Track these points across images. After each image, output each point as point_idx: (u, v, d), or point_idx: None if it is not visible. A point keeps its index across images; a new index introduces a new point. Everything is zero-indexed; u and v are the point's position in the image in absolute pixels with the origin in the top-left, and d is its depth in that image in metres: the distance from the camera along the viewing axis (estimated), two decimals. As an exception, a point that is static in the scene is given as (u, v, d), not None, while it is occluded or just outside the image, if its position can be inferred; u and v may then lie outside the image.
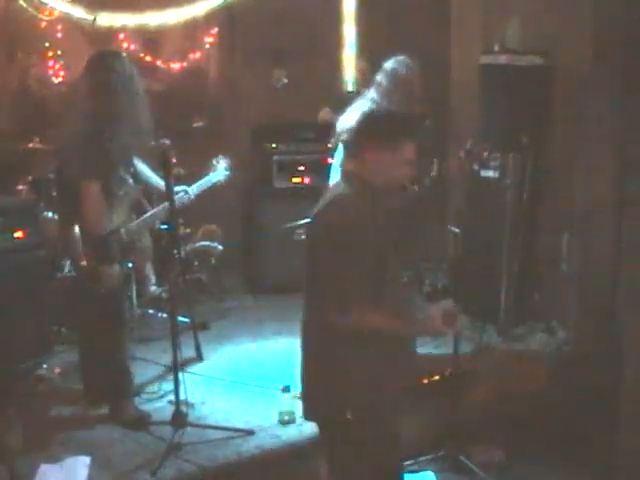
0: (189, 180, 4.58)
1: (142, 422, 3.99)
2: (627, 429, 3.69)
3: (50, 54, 6.07)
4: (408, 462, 4.06)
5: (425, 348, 4.98)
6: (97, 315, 3.97)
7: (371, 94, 4.50)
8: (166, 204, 4.05)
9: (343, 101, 5.96)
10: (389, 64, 4.53)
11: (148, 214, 4.12)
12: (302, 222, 4.52)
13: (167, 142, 3.91)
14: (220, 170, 4.52)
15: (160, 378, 4.47)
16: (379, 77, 4.51)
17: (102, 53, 4.16)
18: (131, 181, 4.02)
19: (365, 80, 6.27)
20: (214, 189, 4.57)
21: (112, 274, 3.86)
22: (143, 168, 4.20)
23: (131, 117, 3.84)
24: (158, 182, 4.21)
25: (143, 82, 4.09)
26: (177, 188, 4.21)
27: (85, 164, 3.76)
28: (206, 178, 4.48)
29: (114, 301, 4.02)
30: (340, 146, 4.43)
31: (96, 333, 4.02)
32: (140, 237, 4.13)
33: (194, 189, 4.38)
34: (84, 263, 3.81)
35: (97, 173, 3.76)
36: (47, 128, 5.54)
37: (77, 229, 3.80)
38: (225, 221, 6.42)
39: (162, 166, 3.89)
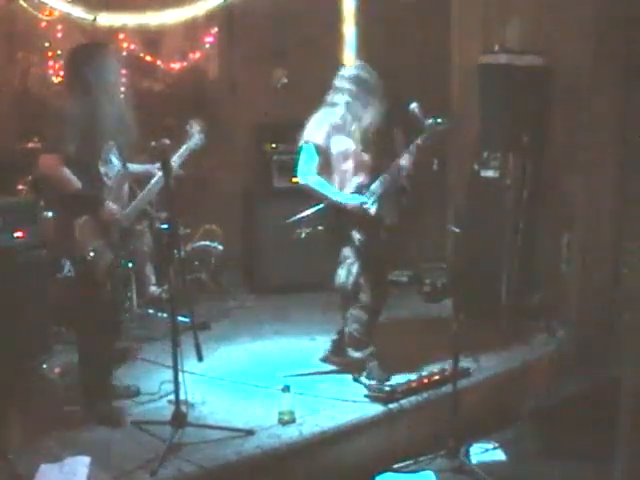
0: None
1: (117, 418, 4.02)
2: (627, 428, 3.69)
3: (50, 54, 6.07)
4: (408, 462, 4.09)
5: (425, 348, 5.01)
6: (86, 309, 4.03)
7: (338, 99, 4.55)
8: (152, 183, 4.17)
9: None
10: (353, 71, 4.59)
11: (140, 196, 4.20)
12: (304, 215, 4.53)
13: (167, 142, 3.92)
14: (195, 135, 4.43)
15: (160, 378, 4.46)
16: (344, 84, 4.54)
17: (80, 46, 4.26)
18: (118, 164, 4.10)
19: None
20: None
21: (112, 209, 3.98)
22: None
23: (104, 105, 3.94)
24: (133, 167, 4.32)
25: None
26: (157, 165, 4.21)
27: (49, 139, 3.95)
28: (184, 147, 4.38)
29: (111, 302, 4.08)
30: (306, 146, 4.50)
31: (91, 333, 4.04)
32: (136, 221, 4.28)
33: (176, 160, 4.30)
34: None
35: (60, 148, 3.86)
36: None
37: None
38: (225, 221, 6.42)
39: (162, 166, 3.90)
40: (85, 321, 4.09)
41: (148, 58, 6.41)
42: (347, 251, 4.47)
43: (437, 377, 4.38)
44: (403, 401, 4.22)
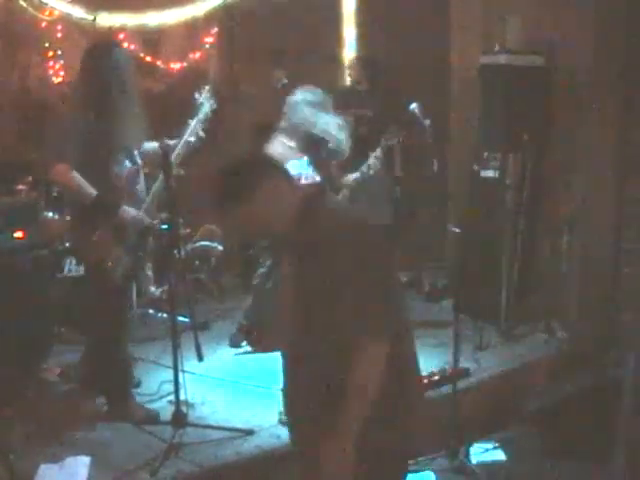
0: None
1: (151, 419, 4.01)
2: (627, 429, 3.69)
3: (50, 54, 6.07)
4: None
5: (425, 348, 5.00)
6: (102, 311, 4.00)
7: (290, 125, 4.81)
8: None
9: (343, 101, 5.98)
10: (300, 95, 4.82)
11: (153, 188, 4.09)
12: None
13: (169, 142, 3.92)
14: (205, 103, 4.17)
15: (160, 378, 4.46)
16: (295, 108, 4.80)
17: (96, 43, 4.23)
18: (129, 163, 4.04)
19: (360, 78, 6.28)
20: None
21: (128, 212, 3.91)
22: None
23: (120, 107, 3.86)
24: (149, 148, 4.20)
25: (140, 80, 4.10)
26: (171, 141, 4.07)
27: (58, 147, 3.84)
28: (196, 118, 4.14)
29: (119, 296, 4.06)
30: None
31: (101, 329, 4.05)
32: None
33: (196, 131, 4.11)
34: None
35: (68, 156, 3.79)
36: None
37: None
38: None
39: (162, 166, 3.89)
40: (99, 324, 4.08)
41: (148, 58, 6.42)
42: None
43: (437, 377, 4.38)
44: (403, 401, 4.21)
